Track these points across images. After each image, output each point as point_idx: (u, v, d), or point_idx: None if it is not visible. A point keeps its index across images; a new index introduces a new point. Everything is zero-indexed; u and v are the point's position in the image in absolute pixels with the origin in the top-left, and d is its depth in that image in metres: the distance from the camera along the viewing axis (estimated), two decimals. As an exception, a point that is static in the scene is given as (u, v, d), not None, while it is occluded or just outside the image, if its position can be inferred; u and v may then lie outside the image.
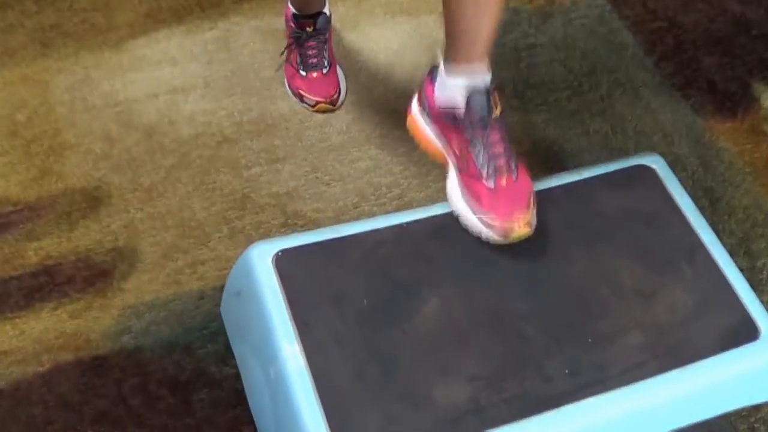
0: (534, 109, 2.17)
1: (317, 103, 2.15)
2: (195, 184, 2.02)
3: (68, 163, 2.07)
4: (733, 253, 1.87)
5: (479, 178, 1.60)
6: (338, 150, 2.08)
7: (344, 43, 2.32)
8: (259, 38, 2.33)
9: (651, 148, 2.10)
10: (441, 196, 1.97)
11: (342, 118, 2.15)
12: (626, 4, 2.45)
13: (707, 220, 1.70)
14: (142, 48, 2.31)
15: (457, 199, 1.63)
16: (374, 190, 2.01)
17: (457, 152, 1.67)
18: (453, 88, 1.65)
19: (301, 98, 2.17)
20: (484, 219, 1.56)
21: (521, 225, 1.53)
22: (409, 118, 1.83)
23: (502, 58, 2.28)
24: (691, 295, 1.50)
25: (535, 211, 1.57)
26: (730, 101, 2.23)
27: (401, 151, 2.08)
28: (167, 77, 2.24)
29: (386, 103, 2.18)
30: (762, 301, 1.60)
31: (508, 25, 2.35)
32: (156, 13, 2.40)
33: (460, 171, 1.65)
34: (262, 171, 2.04)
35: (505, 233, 1.53)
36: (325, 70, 2.16)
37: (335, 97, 2.16)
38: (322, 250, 1.50)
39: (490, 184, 1.58)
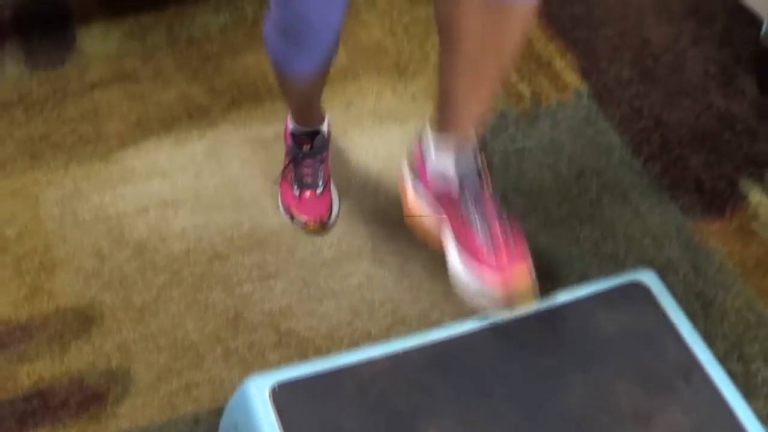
0: (523, 217, 2.17)
1: (307, 223, 2.14)
2: (187, 303, 2.02)
3: (59, 281, 2.06)
4: (726, 358, 1.89)
5: (480, 251, 1.64)
6: (330, 265, 2.08)
7: (333, 151, 2.32)
8: (248, 148, 2.34)
9: (641, 254, 2.11)
10: (434, 310, 1.99)
11: (333, 231, 2.15)
12: (612, 103, 2.48)
13: (700, 326, 1.71)
14: (131, 159, 2.32)
15: (461, 275, 1.67)
16: (367, 306, 2.01)
17: (456, 230, 1.71)
18: (444, 164, 1.71)
19: (291, 217, 2.16)
20: (489, 291, 1.61)
21: (523, 290, 1.60)
22: (401, 186, 1.88)
23: (490, 164, 2.29)
24: (689, 417, 1.50)
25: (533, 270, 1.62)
26: (718, 200, 2.24)
27: (393, 264, 2.08)
28: (157, 190, 2.24)
29: (377, 214, 2.19)
30: (756, 407, 1.60)
31: (495, 129, 2.37)
32: (145, 123, 2.41)
33: (461, 247, 1.70)
34: (254, 288, 2.04)
35: (510, 301, 1.59)
36: (318, 191, 2.15)
37: (326, 219, 2.14)
38: (319, 383, 1.49)
39: (491, 259, 1.63)
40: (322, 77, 1.91)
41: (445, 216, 1.76)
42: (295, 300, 2.02)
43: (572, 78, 2.55)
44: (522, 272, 1.61)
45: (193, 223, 2.17)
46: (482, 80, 1.65)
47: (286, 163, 2.19)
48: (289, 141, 2.16)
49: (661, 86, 2.53)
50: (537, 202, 2.22)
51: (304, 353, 1.92)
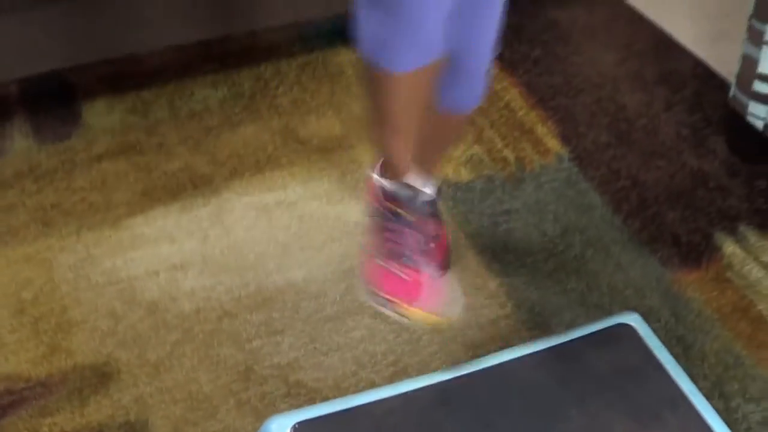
0: (514, 272, 2.31)
1: (424, 316, 1.78)
2: (200, 358, 2.13)
3: (76, 340, 2.17)
4: (708, 397, 2.00)
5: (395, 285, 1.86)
6: (334, 320, 2.20)
7: (331, 216, 2.46)
8: (251, 214, 2.47)
9: (625, 303, 2.24)
10: (433, 360, 2.10)
11: (335, 289, 2.27)
12: (591, 165, 2.63)
13: (682, 367, 1.83)
14: (140, 226, 2.44)
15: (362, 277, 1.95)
16: (370, 357, 2.12)
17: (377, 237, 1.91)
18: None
19: (399, 311, 1.81)
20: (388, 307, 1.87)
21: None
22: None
23: (480, 225, 2.43)
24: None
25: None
26: (695, 252, 2.38)
27: (393, 319, 2.19)
28: (166, 254, 2.36)
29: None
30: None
31: (483, 192, 2.51)
32: (151, 191, 2.54)
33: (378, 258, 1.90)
34: (262, 344, 2.15)
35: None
36: (432, 271, 1.83)
37: (446, 307, 1.81)
38: (336, 421, 1.61)
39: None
40: (432, 73, 1.64)
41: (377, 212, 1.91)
42: (302, 354, 2.14)
43: (553, 143, 2.71)
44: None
45: (201, 285, 2.29)
46: (427, 158, 1.92)
47: (383, 238, 1.88)
48: (381, 204, 1.88)
49: (637, 149, 2.69)
50: (525, 258, 2.36)
51: (312, 403, 2.02)
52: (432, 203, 1.90)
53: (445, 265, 1.95)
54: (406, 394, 1.65)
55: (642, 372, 1.70)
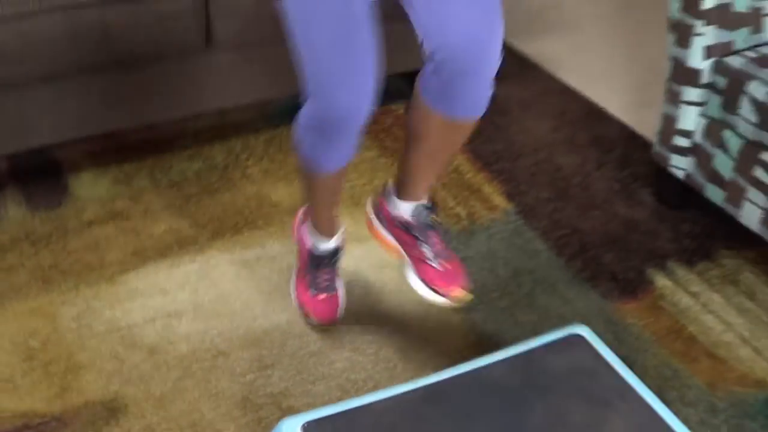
0: (472, 310, 2.60)
1: (321, 322, 2.55)
2: (200, 391, 2.38)
3: (85, 380, 2.40)
4: (652, 403, 2.30)
5: (429, 262, 2.39)
6: (317, 355, 2.47)
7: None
8: (234, 268, 2.74)
9: (573, 332, 2.54)
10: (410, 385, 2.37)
11: (317, 330, 2.54)
12: (535, 217, 2.96)
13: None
14: (134, 281, 2.70)
15: (415, 282, 2.42)
16: (353, 384, 2.39)
17: (411, 250, 2.42)
18: (402, 209, 2.40)
19: (306, 315, 2.56)
20: (437, 290, 2.38)
21: (461, 291, 2.39)
22: (369, 226, 2.55)
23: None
24: (630, 426, 1.91)
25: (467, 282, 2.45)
26: (630, 286, 2.70)
27: (370, 351, 2.48)
28: (160, 305, 2.62)
29: (350, 314, 2.58)
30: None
31: (441, 242, 2.82)
32: (141, 252, 2.80)
33: (415, 261, 2.41)
34: (255, 377, 2.41)
35: (453, 299, 2.38)
36: (332, 293, 2.56)
37: (336, 316, 2.56)
38: (341, 419, 1.86)
39: (438, 266, 2.38)
40: (345, 168, 2.26)
41: (402, 247, 2.44)
42: (291, 384, 2.40)
43: (500, 200, 3.03)
44: (462, 292, 2.38)
45: (195, 329, 2.55)
46: (436, 164, 2.30)
47: (303, 270, 2.57)
48: (306, 257, 2.55)
49: (574, 202, 3.03)
50: (482, 297, 2.65)
51: (304, 423, 2.29)
52: (337, 252, 2.56)
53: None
54: (400, 395, 1.91)
55: (594, 370, 1.98)
